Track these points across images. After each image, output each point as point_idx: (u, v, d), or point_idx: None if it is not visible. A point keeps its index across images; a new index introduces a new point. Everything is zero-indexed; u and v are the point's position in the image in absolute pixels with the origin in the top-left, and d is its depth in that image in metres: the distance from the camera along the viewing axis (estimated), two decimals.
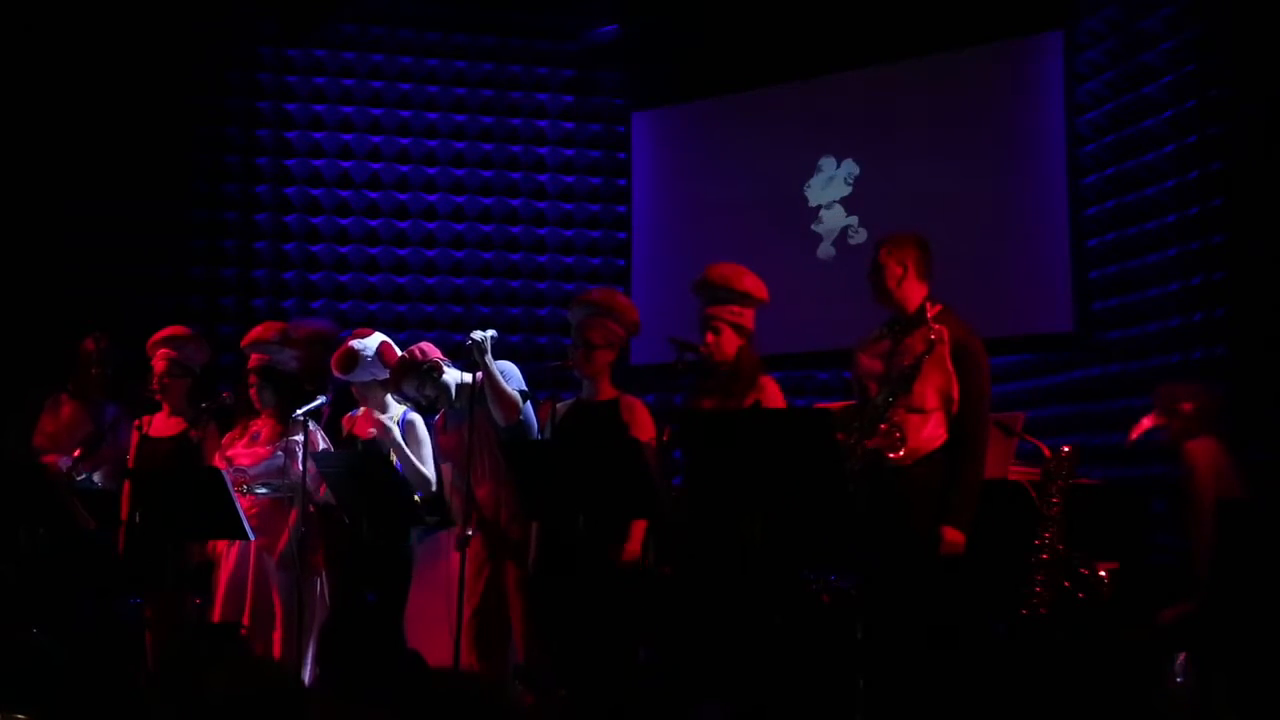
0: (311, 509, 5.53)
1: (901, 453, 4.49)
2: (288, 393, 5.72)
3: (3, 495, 5.59)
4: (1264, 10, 5.72)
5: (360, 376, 5.50)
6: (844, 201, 7.78)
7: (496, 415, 5.16)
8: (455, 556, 5.25)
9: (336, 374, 5.55)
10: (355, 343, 5.52)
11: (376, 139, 8.31)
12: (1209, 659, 4.68)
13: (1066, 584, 4.76)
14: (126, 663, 5.94)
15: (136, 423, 5.93)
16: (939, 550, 4.41)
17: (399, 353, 5.48)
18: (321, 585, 5.61)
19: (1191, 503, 4.91)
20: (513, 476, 4.80)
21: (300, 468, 5.55)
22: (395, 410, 5.57)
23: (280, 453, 5.66)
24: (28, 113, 7.60)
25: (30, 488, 5.57)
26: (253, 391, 5.76)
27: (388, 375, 5.48)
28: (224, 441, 5.85)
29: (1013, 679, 4.81)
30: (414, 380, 5.30)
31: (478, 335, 5.09)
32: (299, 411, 5.45)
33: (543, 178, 8.50)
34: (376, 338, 5.55)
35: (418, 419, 5.55)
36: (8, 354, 7.34)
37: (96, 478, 6.29)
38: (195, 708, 2.96)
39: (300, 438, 5.52)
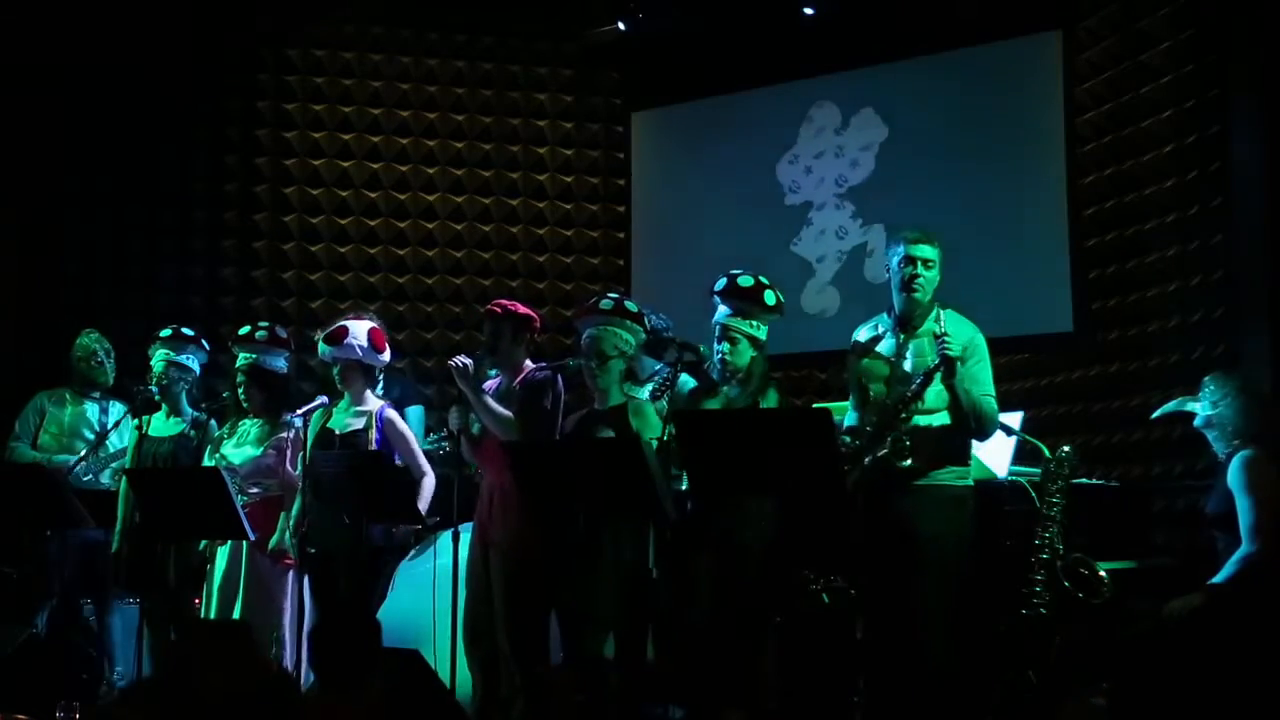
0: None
1: (909, 461, 4.51)
2: (276, 393, 5.76)
3: (4, 496, 5.59)
4: (1263, 10, 5.72)
5: (344, 354, 5.52)
6: (842, 201, 7.78)
7: (496, 432, 5.18)
8: (454, 555, 5.28)
9: (325, 347, 5.57)
10: (350, 321, 5.60)
11: (375, 139, 8.31)
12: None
13: (1066, 584, 4.75)
14: (126, 662, 5.95)
15: (136, 423, 5.93)
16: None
17: (385, 340, 5.62)
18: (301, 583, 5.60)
19: (1240, 511, 4.80)
20: (516, 477, 4.81)
21: (290, 466, 5.58)
22: (373, 403, 5.61)
23: (272, 451, 5.67)
24: (28, 113, 7.59)
25: (32, 488, 5.55)
26: (242, 390, 5.78)
27: (370, 359, 5.54)
28: (214, 440, 5.87)
29: (1013, 679, 4.81)
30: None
31: (457, 362, 5.12)
32: (300, 410, 5.46)
33: (542, 177, 8.50)
34: (367, 322, 5.64)
35: (396, 416, 5.62)
36: (8, 354, 7.34)
37: (103, 477, 6.30)
38: (194, 706, 2.96)
39: (291, 435, 5.59)
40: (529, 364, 5.40)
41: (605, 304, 5.10)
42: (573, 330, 5.85)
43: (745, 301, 4.85)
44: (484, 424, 5.22)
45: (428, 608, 5.40)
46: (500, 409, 5.17)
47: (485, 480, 5.35)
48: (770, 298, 4.86)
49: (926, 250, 4.69)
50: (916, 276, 4.67)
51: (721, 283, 4.90)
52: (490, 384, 5.38)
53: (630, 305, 5.11)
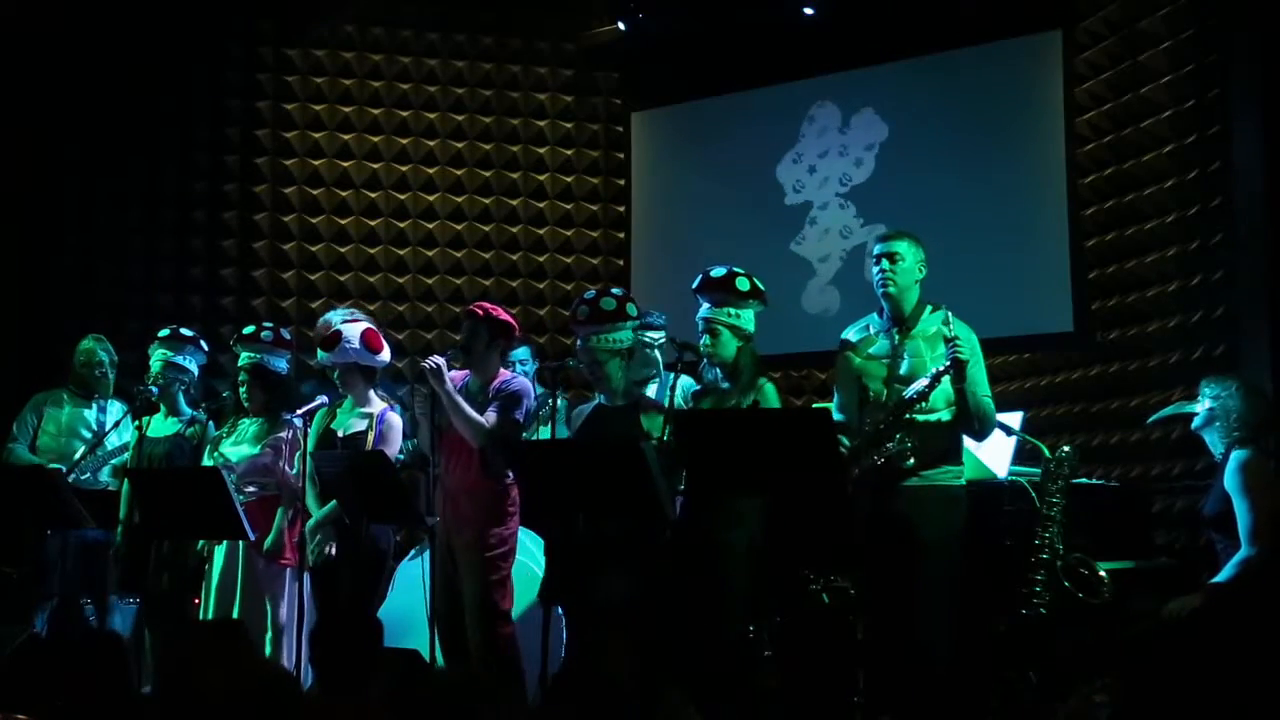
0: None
1: (913, 461, 4.51)
2: (277, 393, 5.76)
3: (4, 496, 5.59)
4: (1263, 10, 5.72)
5: (339, 358, 5.51)
6: (843, 201, 7.78)
7: (465, 436, 5.17)
8: (430, 553, 5.29)
9: (320, 353, 5.56)
10: (344, 325, 5.57)
11: (375, 139, 8.31)
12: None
13: (1066, 584, 4.75)
14: (126, 663, 5.92)
15: (136, 423, 5.93)
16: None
17: (383, 340, 5.58)
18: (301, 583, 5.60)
19: (1238, 513, 4.80)
20: (517, 478, 4.81)
21: (287, 467, 5.58)
22: (376, 405, 5.59)
23: (269, 450, 5.67)
24: (27, 113, 7.59)
25: (32, 488, 5.55)
26: (244, 389, 5.78)
27: (366, 360, 5.51)
28: (213, 439, 5.87)
29: (1013, 679, 4.81)
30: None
31: (430, 363, 5.11)
32: (300, 410, 5.46)
33: (542, 178, 8.50)
34: (361, 324, 5.61)
35: (394, 419, 5.59)
36: (7, 354, 7.34)
37: (103, 474, 6.30)
38: (193, 706, 2.96)
39: (289, 435, 5.60)
40: (504, 371, 5.40)
41: (582, 313, 5.08)
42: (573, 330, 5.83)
43: (719, 292, 4.92)
44: (453, 423, 5.19)
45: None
46: (475, 414, 5.14)
47: (448, 480, 5.30)
48: (743, 284, 4.91)
49: (892, 245, 4.73)
50: (883, 273, 4.71)
51: (697, 280, 4.98)
52: (457, 376, 5.35)
53: (606, 304, 5.07)
